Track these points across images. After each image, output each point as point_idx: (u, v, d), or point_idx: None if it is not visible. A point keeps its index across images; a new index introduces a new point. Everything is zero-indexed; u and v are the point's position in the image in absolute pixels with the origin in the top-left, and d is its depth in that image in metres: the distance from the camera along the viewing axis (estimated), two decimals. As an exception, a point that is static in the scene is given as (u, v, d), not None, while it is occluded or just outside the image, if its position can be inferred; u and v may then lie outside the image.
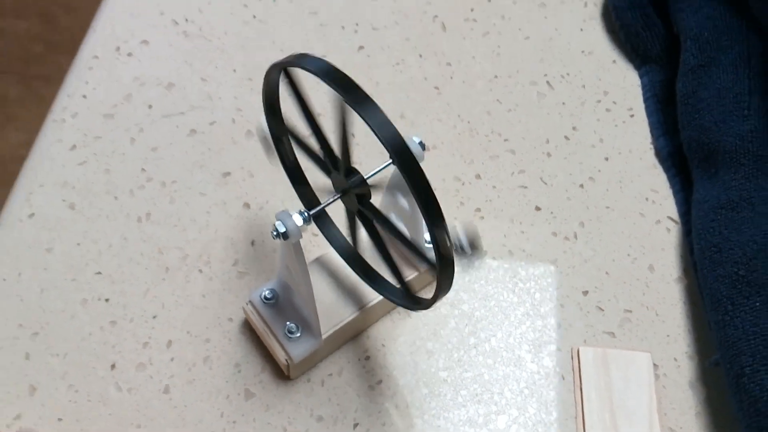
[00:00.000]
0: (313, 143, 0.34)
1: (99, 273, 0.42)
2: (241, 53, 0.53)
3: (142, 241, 0.43)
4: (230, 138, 0.48)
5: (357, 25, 0.54)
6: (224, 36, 0.54)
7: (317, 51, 0.53)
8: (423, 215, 0.27)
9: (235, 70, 0.52)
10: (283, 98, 0.35)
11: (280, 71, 0.32)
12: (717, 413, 0.38)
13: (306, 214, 0.31)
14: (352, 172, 0.32)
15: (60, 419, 0.37)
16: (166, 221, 0.44)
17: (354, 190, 0.32)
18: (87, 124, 0.48)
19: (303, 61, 0.28)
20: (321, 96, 0.44)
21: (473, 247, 0.29)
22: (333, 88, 0.27)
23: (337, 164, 0.32)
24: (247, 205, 0.45)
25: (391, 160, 0.33)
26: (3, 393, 0.38)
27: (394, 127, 0.27)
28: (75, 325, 0.40)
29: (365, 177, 0.32)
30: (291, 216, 0.31)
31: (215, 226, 0.44)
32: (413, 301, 0.33)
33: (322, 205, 0.33)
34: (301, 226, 0.31)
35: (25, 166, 0.47)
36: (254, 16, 0.55)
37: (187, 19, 0.55)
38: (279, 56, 0.52)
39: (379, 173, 0.33)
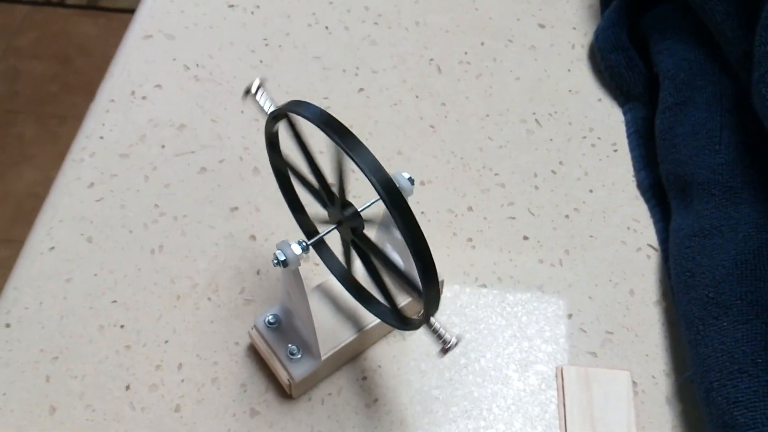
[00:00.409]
0: (311, 179, 0.37)
1: (115, 301, 0.45)
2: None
3: (155, 272, 0.46)
4: (238, 175, 0.52)
5: (357, 68, 0.58)
6: (233, 80, 0.57)
7: (320, 92, 0.56)
8: (409, 247, 0.29)
9: (242, 112, 0.55)
10: (284, 138, 0.39)
11: (278, 119, 0.35)
12: (692, 427, 0.40)
13: (304, 243, 0.34)
14: (347, 205, 0.35)
15: (78, 436, 0.40)
16: (178, 252, 0.47)
17: (348, 222, 0.35)
18: (104, 163, 0.52)
19: (298, 108, 0.32)
20: (320, 135, 0.48)
21: (448, 350, 0.32)
22: (325, 132, 0.30)
23: (333, 198, 0.36)
24: (253, 237, 0.48)
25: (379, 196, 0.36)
26: (25, 413, 0.40)
27: (383, 169, 0.30)
28: (92, 349, 0.43)
29: (359, 210, 0.35)
30: (290, 245, 0.34)
31: (223, 257, 0.47)
32: (404, 322, 0.36)
33: (319, 236, 0.36)
34: (300, 254, 0.34)
35: (46, 203, 0.50)
36: (261, 61, 0.59)
37: (198, 65, 0.59)
38: (284, 98, 0.56)
39: (374, 208, 0.36)
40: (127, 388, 0.41)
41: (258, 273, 0.46)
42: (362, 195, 0.49)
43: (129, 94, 0.56)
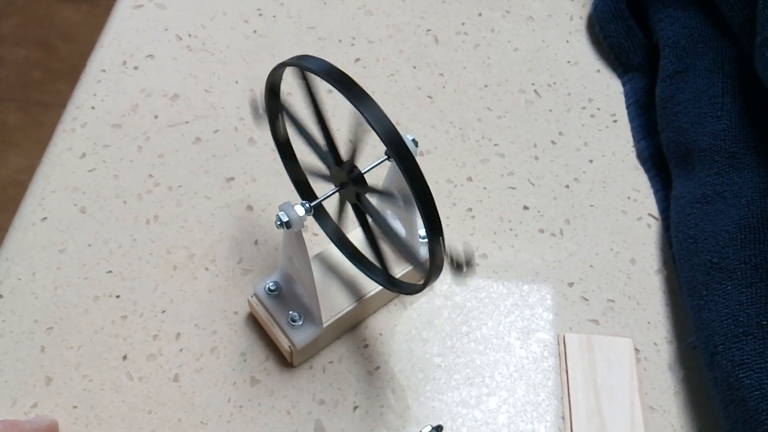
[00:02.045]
0: (315, 136, 0.37)
1: (110, 271, 0.44)
2: (243, 66, 0.55)
3: (150, 242, 0.46)
4: (233, 145, 0.51)
5: (353, 38, 0.57)
6: (226, 50, 0.56)
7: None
8: (414, 197, 0.29)
9: (237, 82, 0.54)
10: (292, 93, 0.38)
11: (283, 69, 0.35)
12: (694, 392, 0.40)
13: (307, 204, 0.34)
14: (353, 168, 0.34)
15: (75, 406, 0.39)
16: (173, 223, 0.46)
17: (353, 185, 0.34)
18: (96, 133, 0.51)
19: (304, 61, 0.31)
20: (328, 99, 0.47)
21: (468, 265, 0.31)
22: (333, 85, 0.30)
23: (340, 160, 0.35)
24: (250, 208, 0.47)
25: (386, 156, 0.36)
26: (20, 383, 0.40)
27: (390, 122, 0.29)
28: (88, 319, 0.42)
29: (363, 171, 0.34)
30: (293, 207, 0.33)
31: (220, 227, 0.46)
32: (399, 286, 0.35)
33: (323, 197, 0.35)
34: (303, 215, 0.33)
35: (37, 173, 0.49)
36: (255, 31, 0.58)
37: (190, 35, 0.57)
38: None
39: (374, 176, 0.35)
40: (125, 358, 0.41)
41: (256, 243, 0.46)
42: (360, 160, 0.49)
43: (120, 64, 0.55)
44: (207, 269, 0.44)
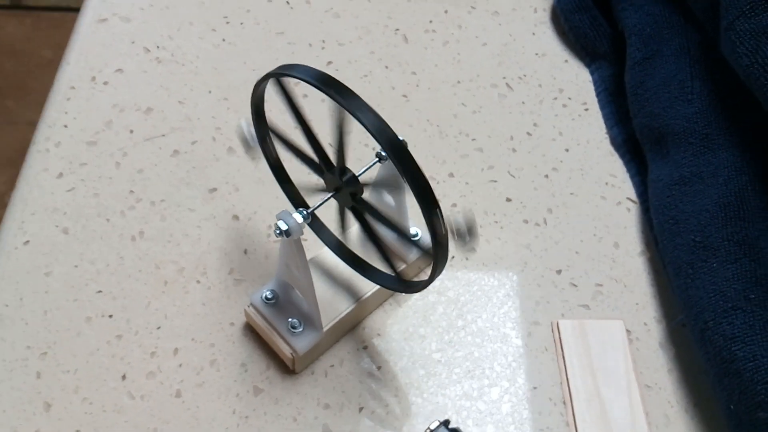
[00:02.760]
0: (303, 147, 0.37)
1: (100, 291, 0.44)
2: (214, 75, 0.55)
3: (138, 258, 0.45)
4: (212, 155, 0.50)
5: (323, 42, 0.57)
6: (196, 60, 0.56)
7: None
8: (418, 201, 0.30)
9: (210, 92, 0.54)
10: (268, 109, 0.38)
11: (267, 81, 0.35)
12: (686, 368, 0.41)
13: (305, 212, 0.34)
14: (345, 171, 0.35)
15: (78, 430, 0.38)
16: (160, 238, 0.46)
17: (348, 188, 0.35)
18: (71, 152, 0.50)
19: (293, 70, 0.31)
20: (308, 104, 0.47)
21: (471, 232, 0.32)
22: (326, 93, 0.30)
23: (330, 165, 0.35)
24: (236, 217, 0.47)
25: (377, 159, 0.36)
26: (19, 411, 0.39)
27: (386, 123, 0.30)
28: (82, 342, 0.42)
29: (357, 174, 0.35)
30: (291, 215, 0.34)
31: (207, 239, 0.46)
32: (407, 285, 0.36)
33: (318, 204, 0.35)
34: (301, 223, 0.34)
35: (15, 196, 0.48)
36: (223, 40, 0.57)
37: (158, 46, 0.57)
38: (251, 75, 0.55)
39: (368, 172, 0.36)
40: (123, 377, 0.40)
41: (245, 252, 0.46)
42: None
43: (89, 80, 0.54)
44: (198, 282, 0.44)
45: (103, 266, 0.45)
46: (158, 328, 0.42)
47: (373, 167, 0.37)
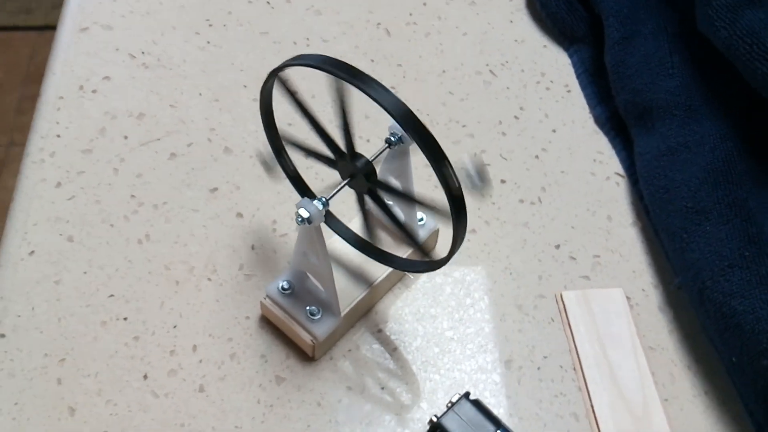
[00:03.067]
0: (312, 146, 0.38)
1: (112, 295, 0.44)
2: (203, 77, 0.56)
3: (147, 261, 0.46)
4: (210, 156, 0.51)
5: (308, 39, 0.58)
6: (183, 63, 0.57)
7: (275, 66, 0.56)
8: (429, 159, 0.31)
9: (200, 94, 0.55)
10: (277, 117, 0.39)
11: (274, 79, 0.36)
12: (685, 328, 0.44)
13: (324, 198, 0.35)
14: (356, 156, 0.36)
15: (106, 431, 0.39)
16: (166, 239, 0.47)
17: (362, 171, 0.36)
18: (67, 160, 0.50)
19: (301, 59, 0.32)
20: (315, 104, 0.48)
21: (482, 178, 0.33)
22: (337, 75, 0.31)
23: (341, 152, 0.36)
24: (240, 215, 0.48)
25: (387, 144, 0.38)
26: (44, 418, 0.39)
27: (398, 98, 0.31)
28: (99, 345, 0.42)
29: (370, 159, 0.36)
30: (312, 202, 0.35)
31: (214, 238, 0.47)
32: (432, 263, 0.37)
33: (333, 192, 0.36)
34: (321, 209, 0.35)
35: (14, 208, 0.48)
36: (208, 42, 0.58)
37: (143, 52, 0.57)
38: (240, 76, 0.56)
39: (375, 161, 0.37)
40: (145, 377, 0.41)
41: (253, 248, 0.46)
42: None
43: (77, 89, 0.54)
44: (210, 280, 0.45)
45: (112, 271, 0.45)
46: (174, 326, 0.43)
47: (381, 155, 0.38)
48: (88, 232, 0.47)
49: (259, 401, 0.40)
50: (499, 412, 0.40)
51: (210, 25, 0.59)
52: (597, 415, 0.39)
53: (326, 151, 0.38)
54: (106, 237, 0.47)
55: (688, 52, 0.47)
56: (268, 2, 0.61)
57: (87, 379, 0.41)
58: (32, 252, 0.46)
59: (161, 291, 0.44)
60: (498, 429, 0.37)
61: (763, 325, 0.36)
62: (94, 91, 0.54)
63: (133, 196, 0.49)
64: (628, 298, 0.45)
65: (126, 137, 0.52)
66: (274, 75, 0.36)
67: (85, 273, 0.45)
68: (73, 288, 0.44)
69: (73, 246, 0.46)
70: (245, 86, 0.55)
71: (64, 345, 0.42)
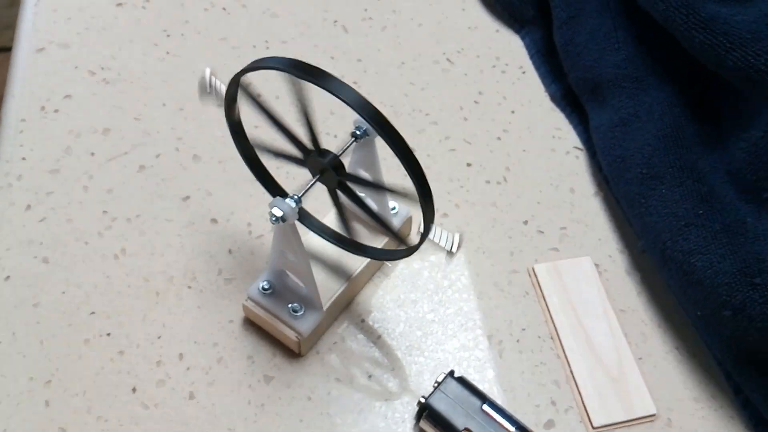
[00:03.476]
0: (280, 145, 0.39)
1: (93, 312, 0.44)
2: (165, 88, 0.56)
3: (125, 275, 0.46)
4: (179, 165, 0.52)
5: (267, 42, 0.59)
6: (144, 76, 0.57)
7: (236, 71, 0.57)
8: (405, 166, 0.32)
9: (164, 104, 0.55)
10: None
11: (237, 85, 0.36)
12: (652, 289, 0.46)
13: (296, 196, 0.36)
14: (324, 153, 0.37)
15: (101, 446, 0.39)
16: (143, 252, 0.47)
17: (330, 166, 0.37)
18: (35, 183, 0.50)
19: (263, 63, 0.33)
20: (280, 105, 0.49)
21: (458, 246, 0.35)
22: (301, 77, 0.32)
23: (308, 150, 0.37)
24: (214, 221, 0.49)
25: (353, 138, 0.39)
26: (37, 438, 0.39)
27: (364, 98, 0.32)
28: (84, 363, 0.42)
29: (337, 154, 0.37)
30: (284, 201, 0.36)
31: (191, 246, 0.47)
32: (408, 250, 0.38)
33: (305, 189, 0.37)
34: (294, 207, 0.36)
35: (-15, 235, 0.48)
36: (168, 53, 0.58)
37: (102, 68, 0.57)
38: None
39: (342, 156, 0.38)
40: (134, 390, 0.41)
41: (230, 252, 0.47)
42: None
43: (39, 110, 0.54)
44: (190, 287, 0.45)
45: (91, 288, 0.45)
46: (159, 337, 0.43)
47: (348, 148, 0.39)
48: (63, 252, 0.47)
49: (250, 402, 0.41)
50: (483, 386, 0.42)
51: (168, 36, 0.59)
52: (577, 380, 0.41)
53: (294, 151, 0.39)
54: (81, 255, 0.47)
55: (632, 27, 0.49)
56: (224, 8, 0.62)
57: (75, 398, 0.41)
58: (8, 277, 0.46)
59: (142, 303, 0.45)
60: (484, 403, 0.38)
61: (722, 278, 0.38)
62: (56, 111, 0.54)
63: (105, 211, 0.49)
64: (596, 265, 0.46)
65: (93, 154, 0.52)
66: (235, 82, 0.37)
67: (63, 293, 0.45)
68: (53, 309, 0.44)
69: (49, 267, 0.46)
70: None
71: (49, 367, 0.42)
